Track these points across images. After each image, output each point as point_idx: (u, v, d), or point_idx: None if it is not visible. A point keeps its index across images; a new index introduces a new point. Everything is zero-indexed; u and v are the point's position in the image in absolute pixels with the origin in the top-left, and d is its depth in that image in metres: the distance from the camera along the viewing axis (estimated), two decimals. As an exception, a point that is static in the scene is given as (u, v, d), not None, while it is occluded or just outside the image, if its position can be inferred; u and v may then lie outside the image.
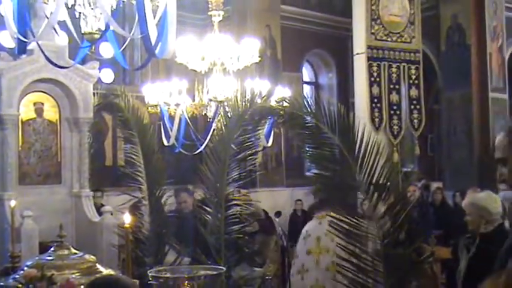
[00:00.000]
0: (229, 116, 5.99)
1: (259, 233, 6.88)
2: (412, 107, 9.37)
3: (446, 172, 14.10)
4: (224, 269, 3.32)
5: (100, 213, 7.01)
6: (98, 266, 3.66)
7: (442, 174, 14.53)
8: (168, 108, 8.13)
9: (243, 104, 5.81)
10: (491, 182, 9.28)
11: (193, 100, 8.39)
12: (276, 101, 6.28)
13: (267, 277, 4.35)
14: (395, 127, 9.08)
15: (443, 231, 9.42)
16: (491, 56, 13.68)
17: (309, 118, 5.17)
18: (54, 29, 5.41)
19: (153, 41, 3.68)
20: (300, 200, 12.24)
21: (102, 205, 7.96)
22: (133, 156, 6.85)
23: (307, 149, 5.39)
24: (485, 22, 13.64)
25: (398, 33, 9.31)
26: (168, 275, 3.04)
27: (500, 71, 13.91)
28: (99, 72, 7.44)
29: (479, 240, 4.57)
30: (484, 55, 13.56)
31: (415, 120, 9.36)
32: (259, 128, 5.96)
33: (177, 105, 8.08)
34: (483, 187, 9.44)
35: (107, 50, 4.26)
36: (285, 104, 5.76)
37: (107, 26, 3.60)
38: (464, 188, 9.97)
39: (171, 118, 8.17)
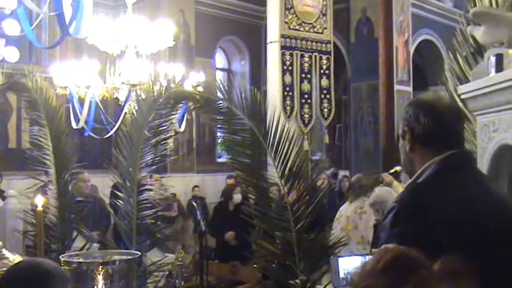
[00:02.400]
0: (144, 99, 5.88)
1: (178, 217, 6.83)
2: (323, 96, 9.60)
3: (352, 160, 14.55)
4: (139, 253, 3.26)
5: (3, 198, 6.73)
6: (4, 251, 3.50)
7: (349, 162, 14.97)
8: (78, 90, 7.87)
9: (158, 88, 5.71)
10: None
11: (105, 83, 8.17)
12: (192, 86, 6.22)
13: (179, 263, 4.32)
14: (306, 116, 9.28)
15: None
16: (398, 49, 14.20)
17: (223, 103, 5.15)
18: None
19: (67, 19, 3.56)
20: (197, 187, 12.18)
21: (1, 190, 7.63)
22: (41, 139, 6.58)
23: (221, 134, 5.39)
24: (392, 17, 14.12)
25: (311, 23, 9.49)
26: (81, 260, 2.96)
27: (406, 64, 14.47)
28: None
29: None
30: (390, 48, 14.05)
31: (325, 110, 9.60)
32: (173, 112, 5.88)
33: (88, 87, 7.84)
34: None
35: (11, 27, 4.05)
36: (201, 89, 5.72)
37: (19, 2, 3.44)
38: (370, 176, 10.32)
39: (81, 100, 7.93)
